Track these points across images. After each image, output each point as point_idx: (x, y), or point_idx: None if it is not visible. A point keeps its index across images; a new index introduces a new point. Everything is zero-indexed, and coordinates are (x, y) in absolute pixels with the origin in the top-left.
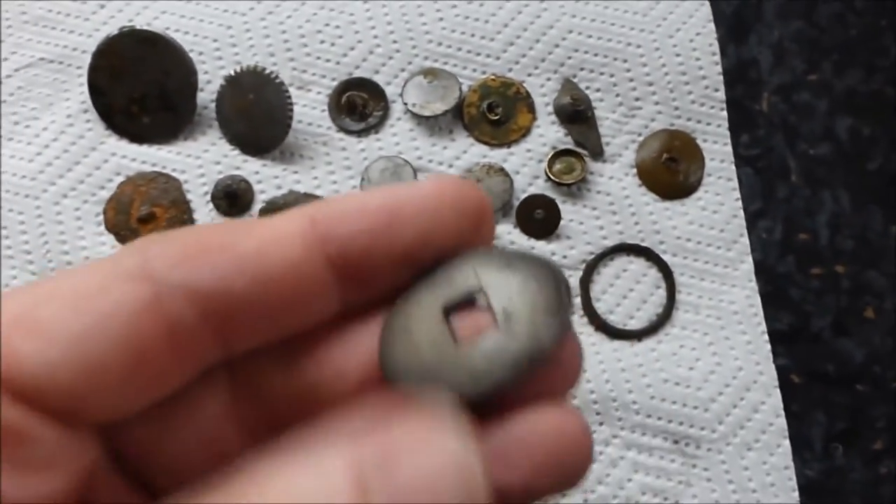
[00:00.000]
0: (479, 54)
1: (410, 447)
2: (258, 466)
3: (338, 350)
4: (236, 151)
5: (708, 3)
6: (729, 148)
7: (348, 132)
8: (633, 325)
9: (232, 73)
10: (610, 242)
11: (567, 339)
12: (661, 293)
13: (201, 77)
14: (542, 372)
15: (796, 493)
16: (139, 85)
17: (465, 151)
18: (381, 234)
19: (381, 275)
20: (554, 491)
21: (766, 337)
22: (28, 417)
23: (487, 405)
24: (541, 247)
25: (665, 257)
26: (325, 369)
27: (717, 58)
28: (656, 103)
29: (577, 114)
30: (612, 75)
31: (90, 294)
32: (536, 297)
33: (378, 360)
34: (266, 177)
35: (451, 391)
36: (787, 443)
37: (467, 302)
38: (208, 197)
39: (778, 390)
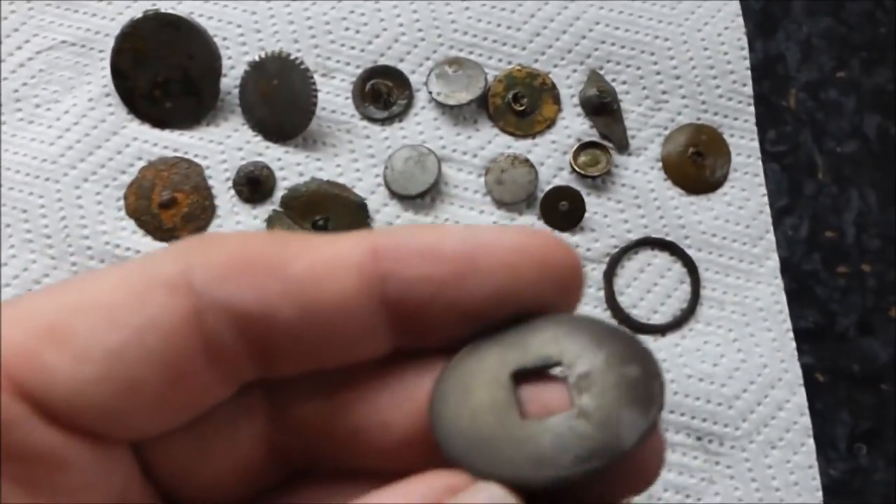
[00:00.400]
0: (504, 44)
1: None
2: None
3: (386, 397)
4: (259, 138)
5: None
6: (756, 144)
7: (372, 120)
8: (657, 319)
9: (256, 58)
10: (634, 236)
11: (651, 439)
12: (686, 288)
13: (225, 62)
14: (617, 470)
15: (820, 493)
16: (162, 69)
17: (490, 142)
18: (451, 284)
19: (441, 328)
20: None
21: (792, 335)
22: (62, 440)
23: (546, 497)
24: (565, 238)
25: (690, 252)
26: (370, 415)
27: (746, 52)
28: (683, 97)
29: (602, 106)
30: (638, 68)
31: (127, 305)
32: (625, 384)
33: (428, 413)
34: (288, 163)
35: (506, 472)
36: (811, 442)
37: (541, 372)
38: (230, 183)
39: (803, 388)
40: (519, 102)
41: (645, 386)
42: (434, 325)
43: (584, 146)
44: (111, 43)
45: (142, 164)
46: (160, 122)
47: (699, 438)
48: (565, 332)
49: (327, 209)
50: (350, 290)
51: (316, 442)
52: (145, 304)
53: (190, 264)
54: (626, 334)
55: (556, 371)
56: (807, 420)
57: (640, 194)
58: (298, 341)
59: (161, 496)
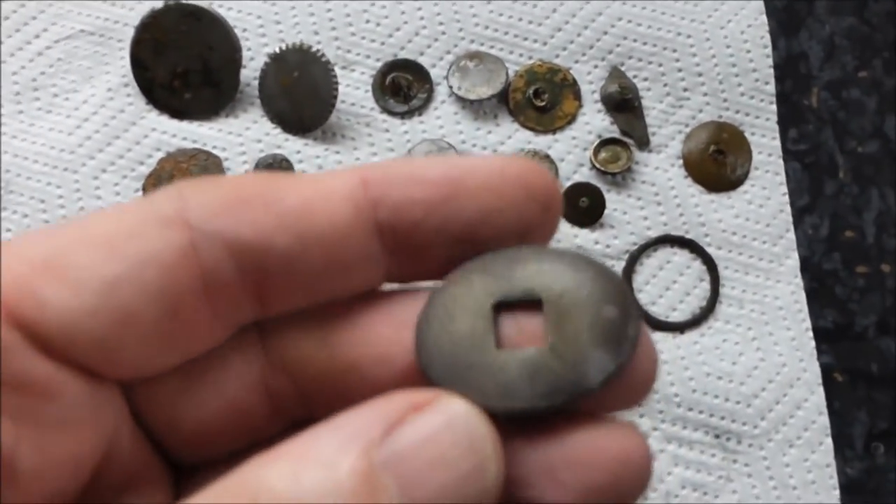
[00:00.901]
0: (526, 39)
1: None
2: (264, 461)
3: (381, 329)
4: (278, 130)
5: None
6: (777, 142)
7: (392, 113)
8: (676, 317)
9: (277, 49)
10: (654, 233)
11: (638, 355)
12: (705, 286)
13: (244, 53)
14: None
15: (837, 492)
16: (182, 59)
17: (510, 137)
18: (438, 206)
19: (432, 251)
20: None
21: (811, 334)
22: (55, 371)
23: (524, 420)
24: (584, 235)
25: (709, 250)
26: (366, 348)
27: (769, 50)
28: (705, 94)
29: (623, 102)
30: (660, 64)
31: (124, 238)
32: (600, 325)
33: (413, 337)
34: (307, 156)
35: (476, 398)
36: (829, 441)
37: (523, 303)
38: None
39: (821, 388)
40: (540, 98)
41: (619, 328)
42: (425, 249)
43: (605, 142)
44: (130, 32)
45: (160, 155)
46: (179, 112)
47: (717, 436)
48: (549, 266)
49: None
50: (342, 217)
51: (313, 385)
52: (142, 238)
53: (186, 201)
54: (610, 273)
55: (538, 303)
56: (825, 419)
57: (660, 191)
58: (294, 272)
59: (154, 446)
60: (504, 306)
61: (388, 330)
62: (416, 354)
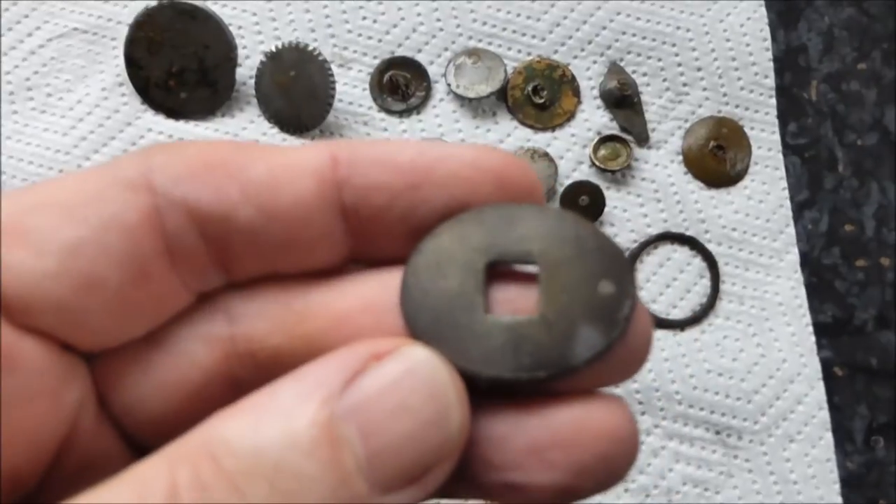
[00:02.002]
0: (524, 35)
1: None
2: (224, 416)
3: (353, 313)
4: (275, 130)
5: None
6: (777, 136)
7: (390, 112)
8: (677, 314)
9: (273, 48)
10: (654, 230)
11: (631, 331)
12: (705, 283)
13: (240, 52)
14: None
15: (837, 486)
16: (177, 58)
17: (509, 135)
18: (404, 193)
19: (395, 236)
20: (592, 492)
21: (811, 329)
22: (16, 339)
23: (506, 389)
24: None
25: (710, 246)
26: (338, 332)
27: (768, 44)
28: (704, 89)
29: (623, 99)
30: (659, 59)
31: (86, 202)
32: (594, 300)
33: (400, 285)
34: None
35: (457, 360)
36: (829, 435)
37: (516, 267)
38: None
39: (821, 383)
40: (539, 95)
41: (614, 305)
42: (388, 234)
43: (604, 139)
44: (124, 31)
45: None
46: (175, 112)
47: (718, 432)
48: (550, 230)
49: None
50: (307, 194)
51: (282, 369)
52: (104, 202)
53: (150, 166)
54: (612, 246)
55: (533, 268)
56: (825, 414)
57: (659, 188)
58: (256, 243)
59: (116, 430)
60: (497, 267)
61: (360, 311)
62: (400, 304)
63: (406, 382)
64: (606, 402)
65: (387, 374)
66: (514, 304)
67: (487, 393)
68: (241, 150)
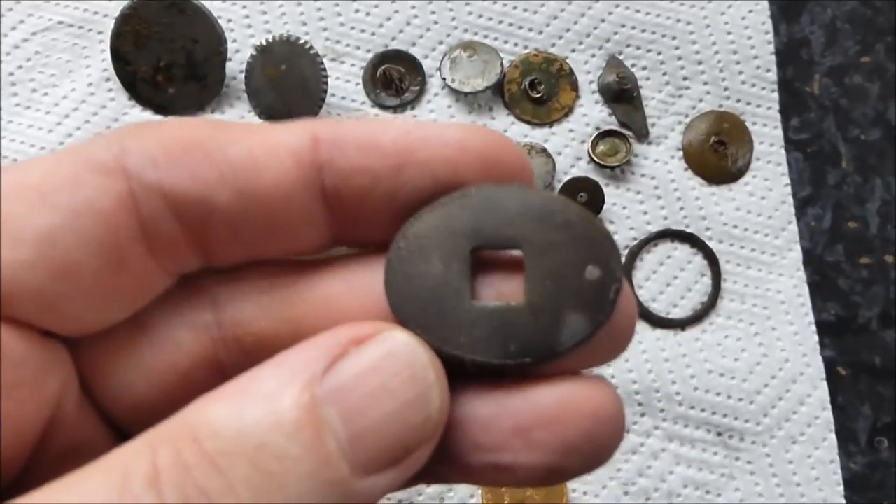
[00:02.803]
0: (521, 28)
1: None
2: (206, 399)
3: (339, 298)
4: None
5: None
6: (779, 131)
7: (384, 107)
8: (677, 313)
9: (264, 42)
10: (654, 228)
11: (617, 313)
12: (706, 281)
13: (230, 46)
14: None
15: (841, 487)
16: (165, 53)
17: (506, 130)
18: (386, 176)
19: (378, 219)
20: (578, 473)
21: (814, 328)
22: None
23: (492, 373)
24: None
25: (711, 244)
26: (324, 318)
27: (770, 37)
28: (705, 83)
29: (622, 93)
30: (659, 53)
31: (60, 187)
32: (580, 286)
33: (384, 269)
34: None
35: (442, 345)
36: (832, 436)
37: (503, 251)
38: None
39: (825, 383)
40: (536, 89)
41: (600, 290)
42: (372, 217)
43: (603, 135)
44: (110, 24)
45: None
46: (163, 108)
47: (720, 434)
48: (536, 214)
49: None
50: (287, 177)
51: (261, 349)
52: (78, 187)
53: (124, 148)
54: (599, 230)
55: (519, 254)
56: (828, 414)
57: (659, 184)
58: (236, 227)
59: (100, 417)
60: (483, 251)
61: (346, 297)
62: (385, 289)
63: (386, 365)
64: (591, 382)
65: (367, 357)
66: (500, 289)
67: (474, 375)
68: (218, 130)
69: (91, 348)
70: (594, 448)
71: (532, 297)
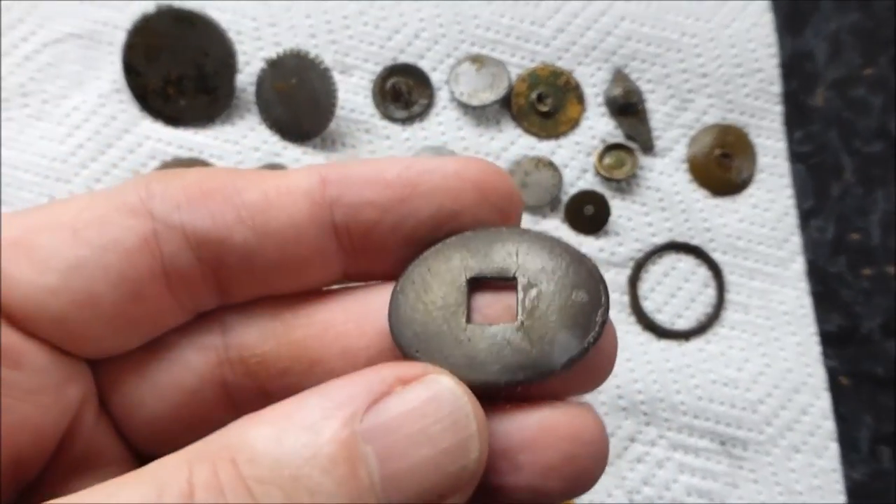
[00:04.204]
0: (528, 41)
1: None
2: (249, 421)
3: (345, 326)
4: (276, 137)
5: None
6: (783, 144)
7: (393, 120)
8: (682, 324)
9: (274, 55)
10: (659, 240)
11: (605, 341)
12: (711, 292)
13: (239, 59)
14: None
15: (843, 496)
16: (176, 65)
17: (513, 143)
18: (393, 207)
19: (387, 250)
20: (563, 496)
21: (817, 338)
22: (22, 342)
23: (487, 394)
24: (589, 243)
25: (715, 256)
26: (329, 345)
27: (774, 50)
28: (709, 96)
29: (628, 106)
30: (664, 66)
31: (89, 224)
32: (569, 308)
33: (388, 303)
34: (307, 164)
35: (441, 367)
36: (835, 445)
37: (496, 281)
38: None
39: (827, 393)
40: (543, 103)
41: (588, 313)
42: (381, 248)
43: (609, 148)
44: (120, 35)
45: (155, 163)
46: (173, 119)
47: (723, 443)
48: (526, 247)
49: None
50: (300, 214)
51: (275, 380)
52: (106, 226)
53: (151, 192)
54: (584, 259)
55: (512, 283)
56: (831, 424)
57: (664, 197)
58: (252, 264)
59: (117, 433)
60: (479, 282)
61: (351, 325)
62: (389, 320)
63: (429, 409)
64: (574, 407)
65: (411, 399)
66: (495, 314)
67: None
68: (236, 176)
69: (109, 367)
70: (575, 471)
71: (524, 320)
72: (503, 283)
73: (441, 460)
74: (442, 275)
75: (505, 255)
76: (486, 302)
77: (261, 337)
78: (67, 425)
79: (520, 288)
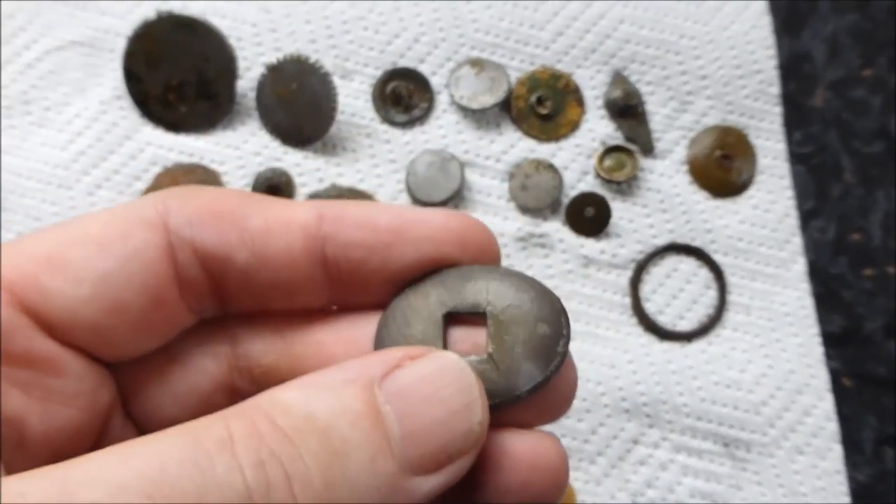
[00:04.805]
0: (527, 44)
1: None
2: (277, 388)
3: (338, 348)
4: (276, 142)
5: None
6: (782, 145)
7: (393, 124)
8: (684, 326)
9: (274, 60)
10: (660, 241)
11: (564, 375)
12: (712, 294)
13: (240, 64)
14: (528, 403)
15: (847, 498)
16: (176, 71)
17: (513, 146)
18: (380, 250)
19: (370, 286)
20: None
21: (819, 339)
22: (59, 351)
23: None
24: (590, 245)
25: (716, 257)
26: (323, 365)
27: (772, 52)
28: (709, 98)
29: (627, 108)
30: (663, 68)
31: (114, 238)
32: (533, 341)
33: (374, 337)
34: (307, 169)
35: None
36: (838, 447)
37: (470, 315)
38: (248, 190)
39: (830, 394)
40: (543, 105)
41: (549, 344)
42: (364, 283)
43: (609, 150)
44: (122, 43)
45: (157, 170)
46: (174, 126)
47: (726, 445)
48: (496, 285)
49: None
50: (295, 245)
51: (267, 379)
52: (129, 239)
53: (168, 208)
54: (549, 294)
55: (483, 316)
56: (834, 425)
57: (665, 199)
58: (249, 282)
59: (137, 434)
60: (454, 316)
61: (344, 347)
62: (375, 349)
63: (439, 376)
64: (536, 434)
65: (422, 368)
66: (468, 345)
67: None
68: (245, 202)
69: (129, 373)
70: (531, 495)
71: (493, 351)
72: (475, 317)
73: (452, 420)
74: (420, 311)
75: (476, 292)
76: (460, 336)
77: (264, 350)
78: (101, 427)
79: (489, 322)
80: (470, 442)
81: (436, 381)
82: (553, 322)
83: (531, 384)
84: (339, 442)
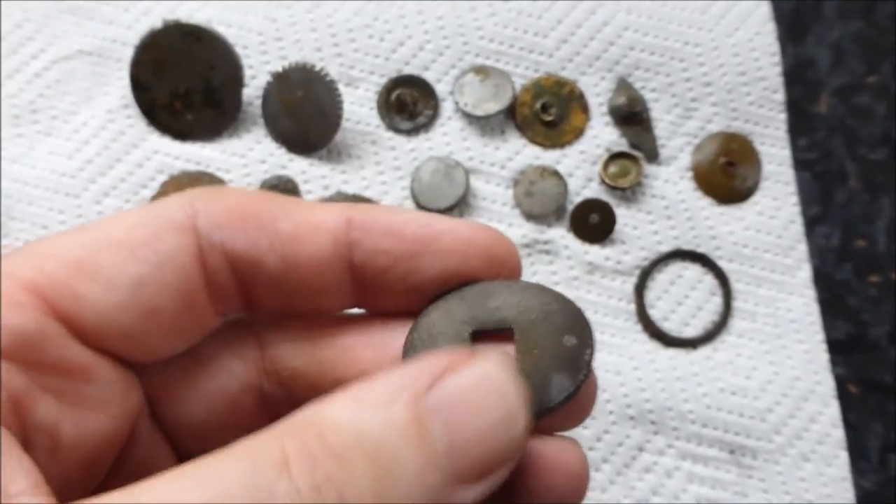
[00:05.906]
0: (531, 51)
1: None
2: (324, 403)
3: (366, 353)
4: (282, 150)
5: (767, 1)
6: (787, 151)
7: (398, 131)
8: (689, 332)
9: (280, 68)
10: (665, 248)
11: (585, 386)
12: (717, 300)
13: (246, 72)
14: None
15: None
16: (183, 80)
17: (518, 153)
18: (406, 259)
19: (394, 293)
20: None
21: (825, 346)
22: (91, 358)
23: None
24: (595, 252)
25: (721, 263)
26: (351, 370)
27: (777, 58)
28: (713, 104)
29: (632, 115)
30: (668, 75)
31: (145, 243)
32: (561, 353)
33: (401, 357)
34: (313, 176)
35: None
36: (844, 454)
37: (496, 331)
38: None
39: (836, 401)
40: (547, 112)
41: (577, 355)
42: (389, 290)
43: (614, 156)
44: (129, 52)
45: (163, 178)
46: (181, 134)
47: (732, 452)
48: (520, 300)
49: None
50: (324, 250)
51: (305, 394)
52: (160, 243)
53: (196, 210)
54: (571, 306)
55: (509, 332)
56: (840, 432)
57: (670, 205)
58: (277, 286)
59: (165, 439)
60: (480, 333)
61: (369, 352)
62: None
63: (483, 386)
64: (560, 440)
65: (468, 377)
66: None
67: None
68: (272, 203)
69: (156, 376)
70: (555, 496)
71: (523, 365)
72: (500, 332)
73: (496, 429)
74: (447, 330)
75: (501, 308)
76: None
77: (292, 353)
78: (130, 431)
79: (517, 337)
80: (513, 450)
81: (480, 391)
82: (579, 333)
83: (563, 395)
84: (390, 459)
